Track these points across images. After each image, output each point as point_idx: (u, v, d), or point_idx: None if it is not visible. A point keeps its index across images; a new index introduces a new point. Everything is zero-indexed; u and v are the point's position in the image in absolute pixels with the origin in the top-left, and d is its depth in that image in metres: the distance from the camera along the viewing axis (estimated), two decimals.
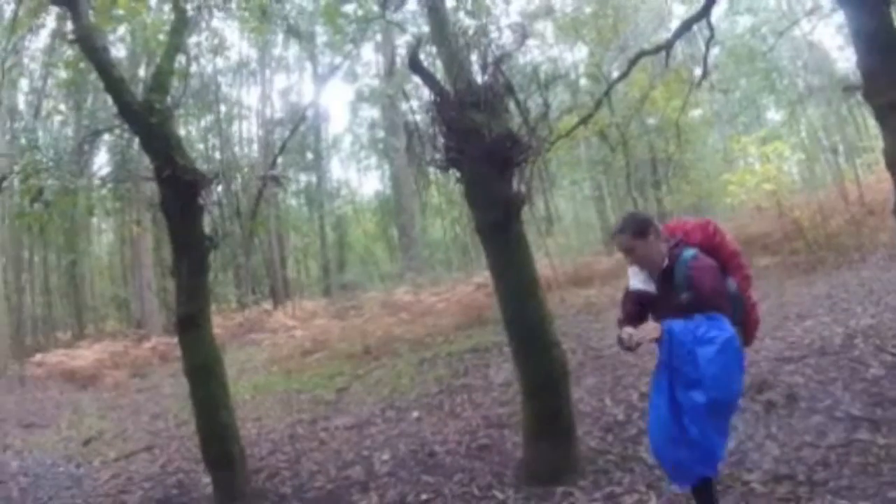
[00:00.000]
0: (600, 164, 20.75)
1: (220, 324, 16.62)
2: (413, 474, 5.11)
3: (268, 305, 21.42)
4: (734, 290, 3.35)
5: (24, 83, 21.39)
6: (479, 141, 4.50)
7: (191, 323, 5.11)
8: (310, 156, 28.55)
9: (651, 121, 19.01)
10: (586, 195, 25.55)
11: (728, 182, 14.13)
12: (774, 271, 11.20)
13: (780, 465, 3.97)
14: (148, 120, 5.02)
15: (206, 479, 5.56)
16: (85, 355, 15.19)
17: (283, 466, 5.86)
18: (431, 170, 5.24)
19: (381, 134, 29.56)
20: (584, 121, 11.86)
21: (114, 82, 5.04)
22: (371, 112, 30.55)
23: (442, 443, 5.74)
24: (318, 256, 30.70)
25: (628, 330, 3.08)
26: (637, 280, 3.42)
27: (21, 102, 22.42)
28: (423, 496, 4.57)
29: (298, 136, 26.25)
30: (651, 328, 3.08)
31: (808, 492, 3.60)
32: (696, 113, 20.18)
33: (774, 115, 26.55)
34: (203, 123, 24.38)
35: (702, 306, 3.08)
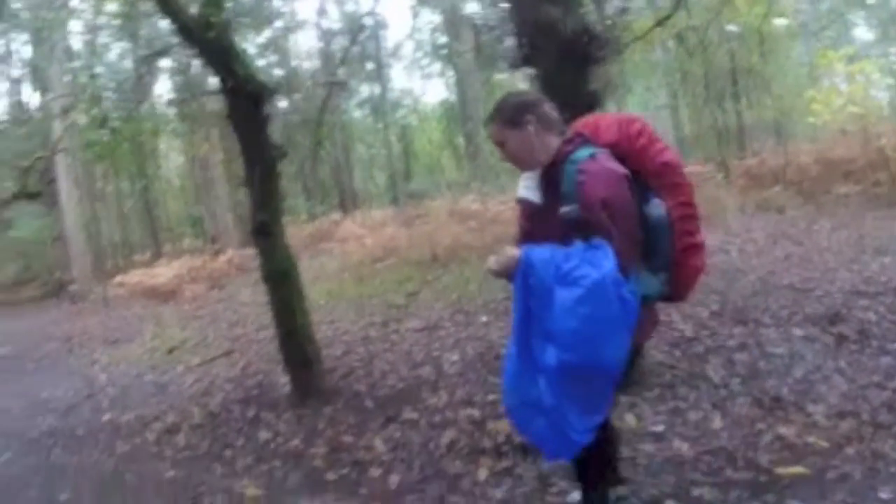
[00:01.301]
0: (677, 72, 19.83)
1: (292, 234, 16.89)
2: (480, 375, 5.19)
3: (337, 216, 21.74)
4: (658, 216, 2.46)
5: (75, 24, 21.63)
6: (556, 36, 4.31)
7: (265, 230, 5.25)
8: (371, 65, 28.23)
9: (732, 28, 17.92)
10: (660, 104, 24.58)
11: (812, 99, 13.22)
12: (855, 200, 10.54)
13: (846, 402, 3.75)
14: (206, 35, 5.01)
15: (285, 379, 5.78)
16: (164, 272, 15.82)
17: (357, 366, 6.06)
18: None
19: (443, 39, 28.92)
20: (661, 22, 11.26)
21: (168, 2, 5.08)
22: (433, 17, 29.81)
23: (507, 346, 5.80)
24: (384, 167, 30.90)
25: (492, 258, 2.44)
26: (524, 186, 2.63)
27: (76, 43, 22.74)
28: (490, 396, 4.64)
29: (358, 45, 25.96)
30: (508, 256, 2.36)
31: (872, 432, 3.35)
32: (780, 22, 18.85)
33: (864, 34, 24.78)
34: (260, 40, 24.35)
35: (587, 227, 2.32)
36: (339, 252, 14.00)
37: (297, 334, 5.32)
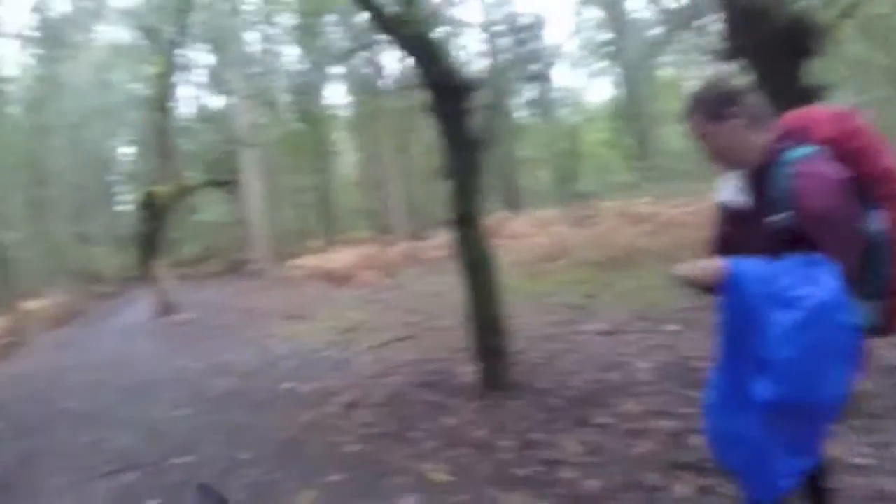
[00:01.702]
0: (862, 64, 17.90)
1: None
2: (672, 386, 4.83)
3: (503, 214, 21.63)
4: (876, 233, 2.01)
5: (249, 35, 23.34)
6: (767, 25, 3.92)
7: (466, 220, 5.24)
8: (534, 66, 27.94)
9: None
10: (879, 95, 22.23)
11: None
12: None
13: None
14: (406, 29, 5.14)
15: (464, 368, 5.67)
16: (338, 258, 16.45)
17: (540, 363, 5.84)
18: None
19: (607, 35, 28.18)
20: (849, 11, 10.15)
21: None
22: (596, 13, 28.98)
23: (702, 359, 5.39)
24: (549, 166, 30.51)
25: (683, 266, 2.05)
26: (726, 188, 2.25)
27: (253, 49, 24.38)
28: (687, 409, 4.28)
29: (522, 44, 25.82)
30: (709, 266, 1.99)
31: None
32: None
33: None
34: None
35: (800, 239, 1.93)
36: (510, 249, 13.87)
37: (490, 324, 5.21)
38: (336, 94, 32.52)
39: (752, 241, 2.06)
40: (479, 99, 5.56)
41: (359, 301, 11.43)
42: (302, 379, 6.71)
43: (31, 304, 20.23)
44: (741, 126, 2.09)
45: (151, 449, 5.30)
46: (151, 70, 15.20)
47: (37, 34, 22.42)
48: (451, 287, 10.98)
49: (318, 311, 11.02)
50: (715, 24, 4.32)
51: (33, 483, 5.01)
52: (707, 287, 2.00)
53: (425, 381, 5.84)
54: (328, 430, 4.99)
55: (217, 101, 29.19)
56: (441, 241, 16.60)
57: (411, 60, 5.73)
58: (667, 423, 4.13)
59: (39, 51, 22.80)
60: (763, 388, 1.88)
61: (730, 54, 4.27)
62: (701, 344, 5.76)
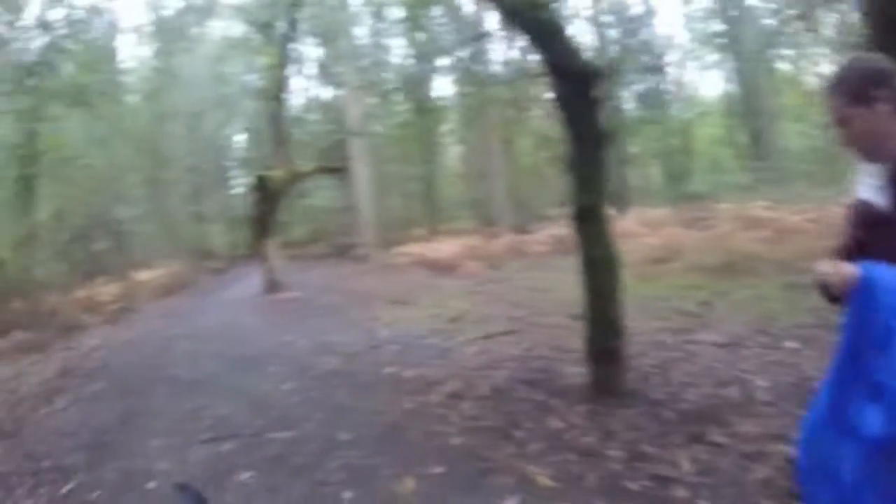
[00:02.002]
0: None
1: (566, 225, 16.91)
2: (791, 408, 4.46)
3: (611, 211, 21.07)
4: None
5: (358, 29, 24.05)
6: None
7: (589, 214, 4.99)
8: (645, 57, 27.00)
9: None
10: None
11: None
12: None
13: None
14: (533, 14, 4.92)
15: (571, 369, 5.50)
16: (442, 248, 16.49)
17: (653, 371, 5.56)
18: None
19: (719, 27, 26.89)
20: None
21: None
22: (708, 2, 27.64)
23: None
24: (659, 163, 29.53)
25: (823, 266, 1.83)
26: (866, 184, 1.96)
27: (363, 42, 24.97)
28: None
29: (631, 35, 25.05)
30: (842, 271, 1.75)
31: None
32: None
33: None
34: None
35: None
36: (618, 248, 13.51)
37: (608, 326, 4.96)
38: (443, 86, 32.70)
39: (889, 248, 1.80)
40: (604, 88, 5.33)
41: (463, 291, 11.36)
42: (405, 364, 6.70)
43: (144, 274, 21.28)
44: (888, 112, 1.84)
45: (252, 420, 5.41)
46: (264, 62, 15.66)
47: (152, 29, 23.65)
48: (557, 283, 10.83)
49: (422, 298, 11.03)
50: (847, 14, 3.90)
51: (131, 443, 5.20)
52: (835, 295, 1.78)
53: (530, 378, 5.67)
54: (431, 419, 4.92)
55: (327, 93, 30.14)
56: (546, 235, 16.39)
57: (532, 47, 5.54)
58: (785, 449, 3.84)
59: (155, 45, 23.97)
60: (875, 420, 1.62)
61: (867, 49, 3.89)
62: (822, 364, 5.36)
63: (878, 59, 2.01)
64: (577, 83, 4.87)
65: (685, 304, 8.20)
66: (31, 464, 4.94)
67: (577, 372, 5.31)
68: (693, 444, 4.04)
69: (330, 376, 6.63)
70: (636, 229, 16.14)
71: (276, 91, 15.27)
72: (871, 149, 1.90)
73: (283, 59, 15.32)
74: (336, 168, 15.80)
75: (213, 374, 7.42)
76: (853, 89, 1.87)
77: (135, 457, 4.83)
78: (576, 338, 6.77)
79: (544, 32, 4.98)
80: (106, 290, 18.73)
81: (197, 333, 10.81)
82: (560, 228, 17.21)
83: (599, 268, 5.02)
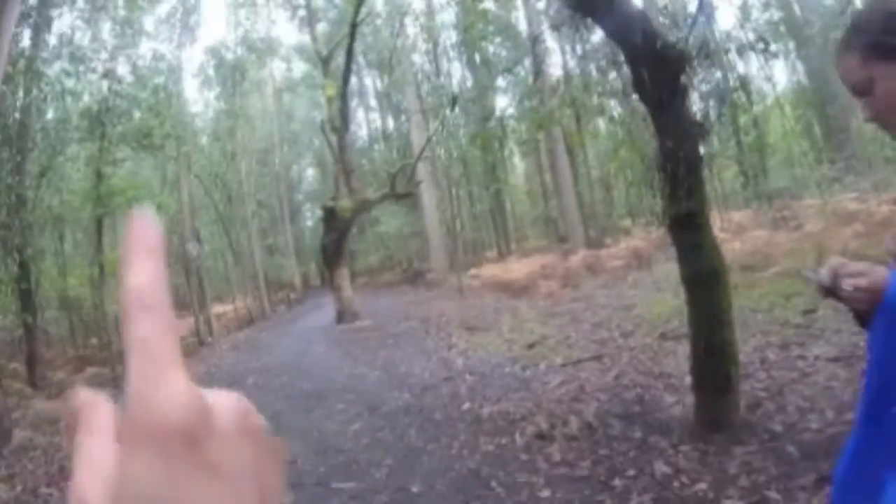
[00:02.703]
0: None
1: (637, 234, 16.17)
2: None
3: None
4: None
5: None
6: None
7: (690, 222, 4.32)
8: (708, 48, 25.80)
9: None
10: None
11: None
12: None
13: None
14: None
15: (670, 398, 4.92)
16: (516, 268, 16.02)
17: (764, 396, 4.87)
18: None
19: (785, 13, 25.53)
20: None
21: None
22: None
23: None
24: (733, 162, 28.20)
25: (834, 261, 1.31)
26: None
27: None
28: None
29: (695, 26, 24.00)
30: (875, 274, 1.24)
31: None
32: None
33: None
34: None
35: None
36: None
37: (718, 349, 4.26)
38: (505, 104, 32.53)
39: None
40: (692, 73, 4.70)
41: (540, 313, 10.79)
42: (483, 399, 6.17)
43: (219, 308, 21.49)
44: None
45: (316, 467, 5.01)
46: (326, 94, 15.58)
47: (215, 72, 24.28)
48: (638, 299, 10.18)
49: (498, 323, 10.50)
50: None
51: None
52: (859, 309, 1.27)
53: (625, 411, 5.05)
54: (515, 466, 4.36)
55: (390, 122, 30.39)
56: (621, 249, 15.68)
57: (613, 35, 4.95)
58: None
59: (219, 87, 24.60)
60: None
61: None
62: None
63: None
64: (664, 69, 4.26)
65: (787, 314, 7.42)
66: None
67: (677, 401, 4.71)
68: (823, 485, 3.40)
69: (403, 413, 6.17)
70: (718, 235, 15.28)
71: (338, 122, 15.12)
72: None
73: (343, 91, 15.19)
74: (403, 193, 15.49)
75: (279, 411, 7.05)
76: (876, 38, 1.31)
77: None
78: (670, 360, 6.19)
79: (624, 16, 4.40)
80: (181, 325, 18.86)
81: (267, 367, 10.61)
82: (635, 241, 16.52)
83: (704, 282, 4.35)
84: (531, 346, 8.17)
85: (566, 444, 4.53)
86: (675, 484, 3.68)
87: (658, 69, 4.25)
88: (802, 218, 13.57)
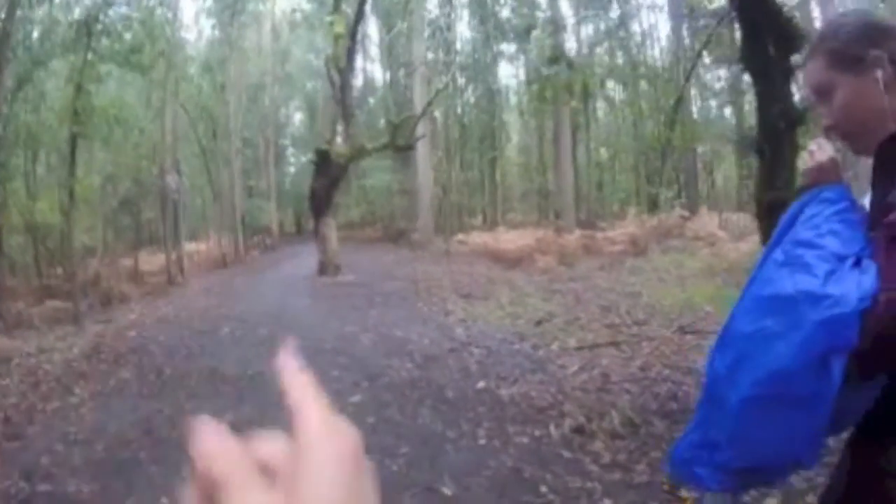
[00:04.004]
0: None
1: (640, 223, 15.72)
2: None
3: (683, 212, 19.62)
4: None
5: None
6: None
7: (780, 210, 3.80)
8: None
9: None
10: None
11: None
12: None
13: None
14: None
15: None
16: (507, 239, 15.43)
17: None
18: None
19: None
20: None
21: None
22: None
23: None
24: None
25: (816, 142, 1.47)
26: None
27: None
28: None
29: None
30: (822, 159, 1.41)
31: None
32: None
33: None
34: None
35: None
36: (707, 252, 12.30)
37: None
38: (511, 71, 31.68)
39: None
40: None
41: (539, 289, 10.24)
42: (498, 378, 5.49)
43: (192, 246, 20.66)
44: (882, 82, 1.29)
45: None
46: (334, 30, 14.61)
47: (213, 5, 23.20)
48: (644, 287, 9.69)
49: (495, 293, 9.91)
50: None
51: (150, 469, 4.00)
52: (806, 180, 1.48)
53: (661, 408, 4.52)
54: (559, 466, 3.71)
55: (387, 76, 29.57)
56: (620, 233, 15.20)
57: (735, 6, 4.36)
58: None
59: (217, 17, 23.49)
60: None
61: None
62: None
63: (879, 16, 1.54)
64: (783, 45, 3.71)
65: None
66: (25, 485, 3.86)
67: None
68: None
69: (409, 387, 5.44)
70: (717, 232, 14.91)
71: (344, 62, 14.27)
72: (858, 129, 1.37)
73: (354, 30, 14.37)
74: (404, 146, 14.64)
75: (262, 371, 6.10)
76: (841, 48, 1.36)
77: (154, 489, 3.63)
78: (695, 355, 5.69)
79: None
80: (151, 261, 18.17)
81: (244, 315, 9.74)
82: (631, 227, 16.04)
83: None
84: (538, 322, 7.59)
85: (611, 442, 3.94)
86: (747, 499, 3.17)
87: (778, 45, 3.70)
88: None
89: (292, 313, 9.78)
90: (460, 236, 18.18)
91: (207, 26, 25.11)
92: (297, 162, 39.64)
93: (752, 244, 12.32)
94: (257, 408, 4.94)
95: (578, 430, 4.13)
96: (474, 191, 29.44)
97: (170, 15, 17.22)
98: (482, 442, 4.08)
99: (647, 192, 22.97)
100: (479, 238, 16.52)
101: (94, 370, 6.99)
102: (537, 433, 4.14)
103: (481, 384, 5.32)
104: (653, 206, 20.64)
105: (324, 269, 13.92)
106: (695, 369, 5.12)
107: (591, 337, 6.74)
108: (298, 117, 41.36)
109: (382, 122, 25.40)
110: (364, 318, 8.76)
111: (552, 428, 4.19)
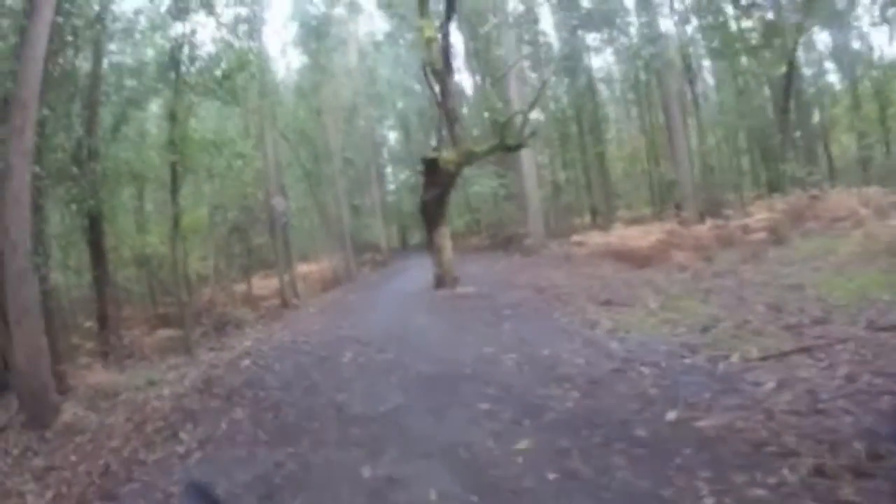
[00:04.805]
0: None
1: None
2: None
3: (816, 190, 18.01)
4: None
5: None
6: None
7: None
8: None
9: None
10: None
11: None
12: None
13: None
14: None
15: None
16: (632, 236, 14.54)
17: None
18: None
19: None
20: None
21: None
22: None
23: None
24: (853, 133, 25.79)
25: None
26: None
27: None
28: None
29: None
30: None
31: None
32: None
33: None
34: None
35: None
36: (842, 236, 11.04)
37: None
38: (606, 62, 30.68)
39: None
40: None
41: (688, 288, 9.25)
42: (687, 405, 4.54)
43: (303, 268, 20.78)
44: None
45: None
46: (424, 35, 14.11)
47: (301, 29, 23.56)
48: (805, 278, 8.54)
49: (639, 298, 9.02)
50: None
51: None
52: None
53: None
54: None
55: (473, 81, 29.32)
56: (757, 221, 13.97)
57: None
58: None
59: (304, 44, 23.88)
60: None
61: None
62: None
63: None
64: None
65: None
66: None
67: None
68: None
69: (583, 425, 4.44)
70: (861, 210, 13.38)
71: (441, 64, 13.73)
72: None
73: (446, 29, 13.86)
74: (515, 145, 13.87)
75: (397, 407, 5.59)
76: None
77: None
78: None
79: None
80: (264, 284, 18.30)
81: (365, 337, 9.30)
82: (765, 213, 14.73)
83: None
84: (704, 329, 6.65)
85: (862, 488, 3.06)
86: None
87: None
88: None
89: (417, 332, 9.22)
90: (576, 237, 17.35)
91: (296, 54, 25.62)
92: (396, 180, 40.28)
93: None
94: (398, 459, 4.35)
95: (818, 470, 3.28)
96: (580, 189, 28.56)
97: (255, 44, 17.24)
98: (710, 502, 3.20)
99: (767, 172, 21.50)
100: (598, 238, 15.63)
101: (205, 408, 6.69)
102: (771, 481, 3.27)
103: (671, 415, 4.41)
104: (774, 186, 19.19)
105: (441, 281, 13.41)
106: None
107: (773, 343, 5.75)
108: (393, 136, 41.74)
109: (475, 132, 24.95)
110: (498, 334, 8.09)
111: (786, 472, 3.32)
